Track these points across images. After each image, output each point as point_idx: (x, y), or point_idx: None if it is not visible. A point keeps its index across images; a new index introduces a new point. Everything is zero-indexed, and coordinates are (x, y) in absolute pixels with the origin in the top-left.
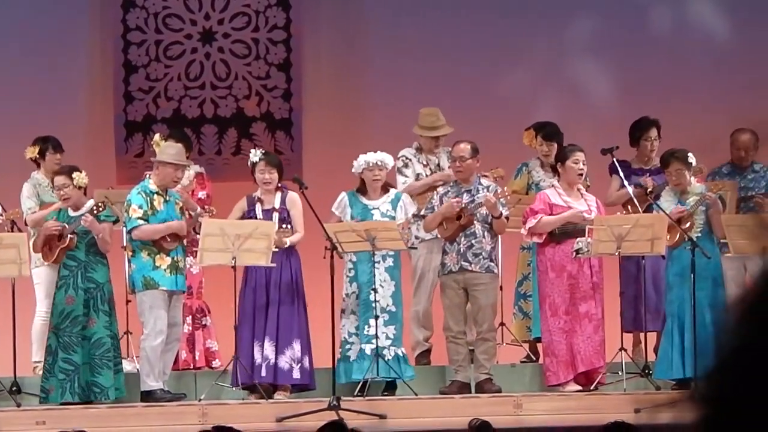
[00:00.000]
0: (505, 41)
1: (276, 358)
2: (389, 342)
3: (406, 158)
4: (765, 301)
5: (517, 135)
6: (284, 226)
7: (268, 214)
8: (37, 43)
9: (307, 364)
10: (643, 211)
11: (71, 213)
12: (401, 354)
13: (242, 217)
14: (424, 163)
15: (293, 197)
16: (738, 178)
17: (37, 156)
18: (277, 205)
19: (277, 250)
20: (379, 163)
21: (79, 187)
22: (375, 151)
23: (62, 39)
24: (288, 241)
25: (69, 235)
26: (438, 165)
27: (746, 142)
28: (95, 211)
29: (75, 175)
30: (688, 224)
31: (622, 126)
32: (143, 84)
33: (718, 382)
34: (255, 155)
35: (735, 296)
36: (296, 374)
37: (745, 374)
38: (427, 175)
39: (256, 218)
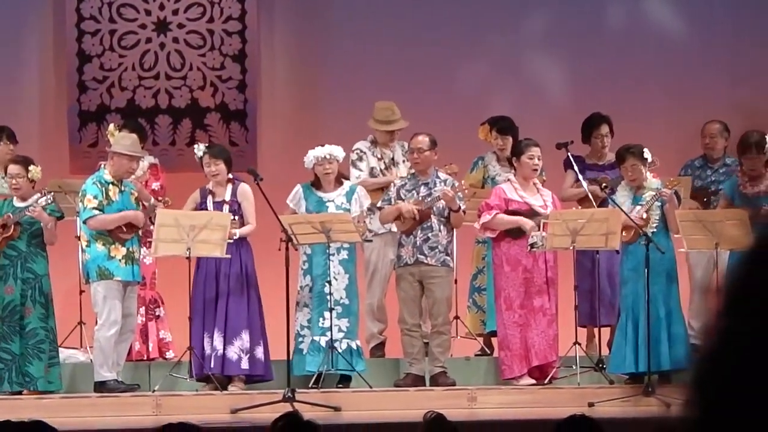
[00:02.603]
0: (461, 35)
1: (224, 349)
2: (342, 335)
3: (361, 151)
4: (750, 292)
5: (472, 129)
6: (233, 218)
7: (219, 206)
8: None
9: (260, 354)
10: (598, 206)
11: (16, 203)
12: (354, 347)
13: (195, 209)
14: (379, 156)
15: (244, 189)
16: (709, 172)
17: None
18: (228, 198)
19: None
20: (329, 156)
21: (31, 180)
22: (323, 145)
23: (15, 27)
24: (237, 232)
25: (12, 225)
26: (392, 159)
27: (713, 130)
28: (44, 203)
29: (31, 168)
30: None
31: (577, 120)
32: (97, 74)
33: (706, 381)
34: (199, 149)
35: (715, 294)
36: (245, 365)
37: (734, 372)
38: (381, 169)
39: (207, 210)
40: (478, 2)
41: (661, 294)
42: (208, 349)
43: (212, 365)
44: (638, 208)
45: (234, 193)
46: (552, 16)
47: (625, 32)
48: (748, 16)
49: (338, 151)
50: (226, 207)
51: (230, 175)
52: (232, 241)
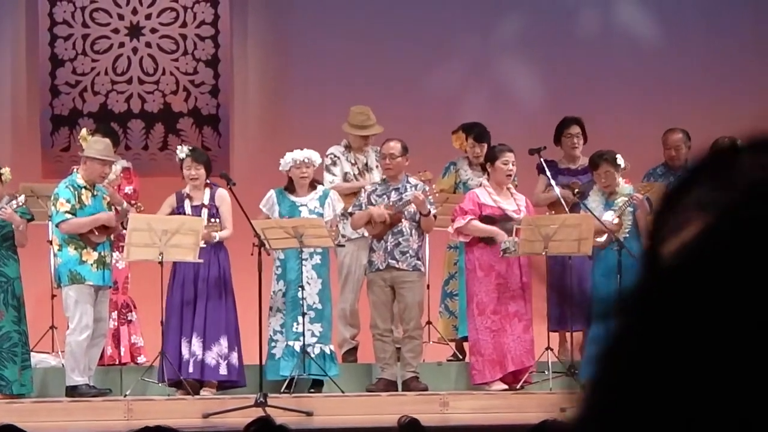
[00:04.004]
0: (433, 39)
1: (203, 354)
2: (315, 339)
3: (335, 156)
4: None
5: (444, 133)
6: (213, 220)
7: (197, 210)
8: None
9: (235, 360)
10: (570, 212)
11: None
12: (328, 351)
13: (171, 213)
14: (353, 161)
15: (222, 194)
16: (672, 179)
17: None
18: (206, 202)
19: (205, 245)
20: (306, 160)
21: (2, 183)
22: (302, 149)
23: None
24: (217, 236)
25: None
26: (366, 164)
27: (677, 141)
28: (16, 206)
29: (2, 170)
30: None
31: (549, 126)
32: (70, 78)
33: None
34: (182, 151)
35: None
36: (223, 370)
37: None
38: (354, 174)
39: (185, 214)
40: (450, 5)
41: None
42: (186, 354)
43: (191, 370)
44: (610, 213)
45: (212, 198)
46: (525, 20)
47: (597, 36)
48: (720, 19)
49: (316, 156)
50: (204, 211)
51: (207, 180)
52: (206, 245)
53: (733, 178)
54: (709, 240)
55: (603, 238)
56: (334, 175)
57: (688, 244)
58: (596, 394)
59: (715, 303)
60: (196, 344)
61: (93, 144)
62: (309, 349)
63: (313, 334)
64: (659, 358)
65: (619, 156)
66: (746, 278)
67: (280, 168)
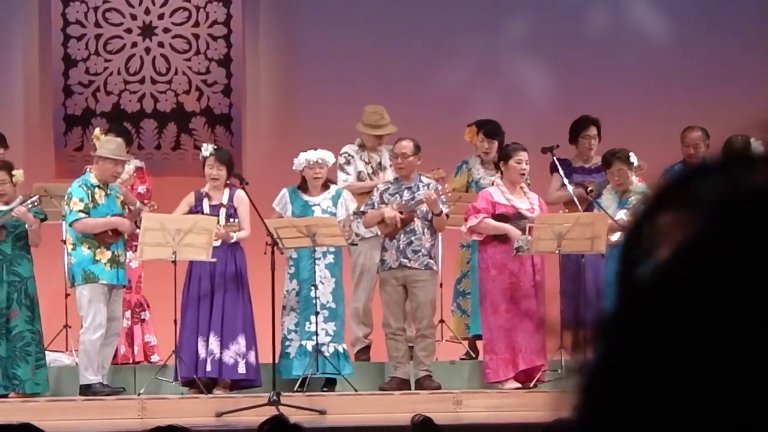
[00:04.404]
0: (444, 38)
1: (221, 353)
2: (329, 338)
3: (348, 155)
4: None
5: (455, 132)
6: (231, 220)
7: (215, 209)
8: None
9: (252, 359)
10: (584, 210)
11: (0, 207)
12: (341, 350)
13: (189, 212)
14: (366, 160)
15: (241, 195)
16: None
17: None
18: (225, 201)
19: (218, 244)
20: (320, 161)
21: (14, 185)
22: (315, 149)
23: (1, 32)
24: (235, 236)
25: None
26: (380, 163)
27: (695, 139)
28: (30, 206)
29: (15, 172)
30: None
31: (559, 123)
32: (83, 78)
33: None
34: (206, 150)
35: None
36: (241, 369)
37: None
38: (368, 173)
39: (203, 213)
40: (460, 5)
41: None
42: (203, 353)
43: (208, 368)
44: (624, 211)
45: (231, 198)
46: (534, 19)
47: (607, 35)
48: (729, 18)
49: (330, 157)
50: (223, 210)
51: (227, 181)
52: (219, 244)
53: (696, 200)
54: (680, 262)
55: (617, 237)
56: (347, 174)
57: (660, 267)
58: (581, 425)
59: (688, 325)
60: (214, 343)
61: (105, 143)
62: (323, 348)
63: (326, 333)
64: (638, 385)
65: (632, 154)
66: (719, 299)
67: (294, 167)
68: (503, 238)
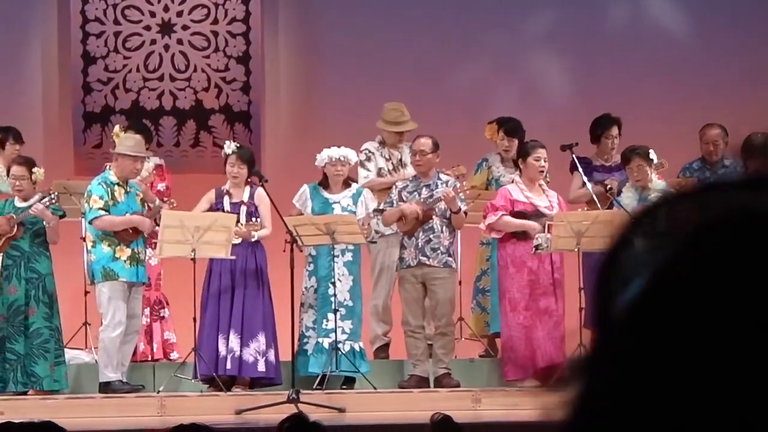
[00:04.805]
0: (463, 35)
1: (241, 351)
2: (345, 336)
3: (369, 152)
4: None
5: (475, 130)
6: (253, 219)
7: (236, 207)
8: None
9: (272, 357)
10: (606, 209)
11: (18, 204)
12: (357, 348)
13: (210, 209)
14: (387, 157)
15: (261, 193)
16: (708, 174)
17: None
18: (245, 199)
19: (239, 242)
20: (342, 158)
21: (34, 182)
22: (336, 145)
23: (20, 30)
24: (256, 234)
25: (15, 226)
26: (400, 160)
27: (715, 136)
28: (48, 203)
29: (35, 169)
30: None
31: (578, 121)
32: (102, 75)
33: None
34: (229, 147)
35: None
36: (261, 367)
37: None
38: (389, 170)
39: (223, 211)
40: (480, 2)
41: None
42: (223, 350)
43: (228, 366)
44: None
45: (252, 196)
46: (554, 16)
47: (627, 31)
48: (751, 14)
49: (352, 155)
50: (243, 208)
51: (248, 179)
52: (245, 242)
53: (669, 228)
54: (654, 292)
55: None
56: (368, 170)
57: (636, 298)
58: None
59: (663, 356)
60: (234, 340)
61: (124, 140)
62: (339, 346)
63: (343, 331)
64: (619, 420)
65: (651, 151)
66: (692, 328)
67: (316, 163)
68: (522, 236)
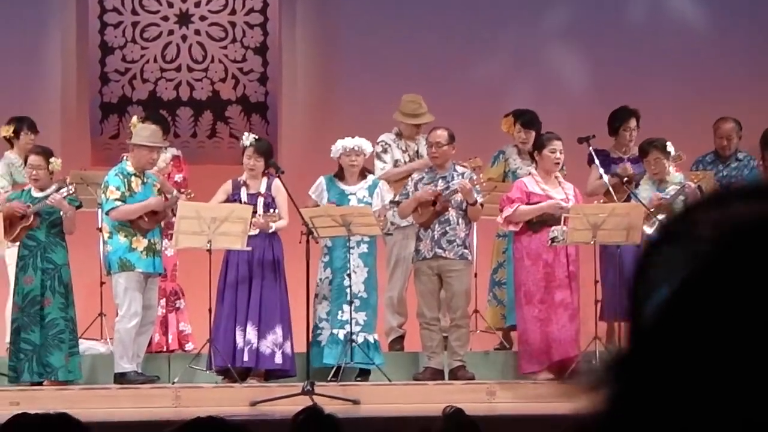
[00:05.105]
0: (480, 27)
1: (258, 342)
2: (359, 328)
3: (386, 143)
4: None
5: (492, 122)
6: (271, 210)
7: (253, 198)
8: (13, 23)
9: (288, 349)
10: (624, 201)
11: (34, 194)
12: (372, 340)
13: (227, 200)
14: (403, 149)
15: (278, 184)
16: (722, 167)
17: (12, 135)
18: (263, 190)
19: (256, 233)
20: (357, 148)
21: (51, 172)
22: (352, 137)
23: (39, 19)
24: (274, 226)
25: (32, 216)
26: (417, 152)
27: (729, 130)
28: (65, 194)
29: (52, 159)
30: (665, 213)
31: (596, 114)
32: (119, 65)
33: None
34: (247, 138)
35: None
36: (278, 359)
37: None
38: (405, 162)
39: (240, 202)
40: None
41: None
42: (240, 342)
43: (245, 358)
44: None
45: (269, 187)
46: (572, 9)
47: (645, 25)
48: None
49: (367, 145)
50: (261, 199)
51: (265, 170)
52: (257, 233)
53: (696, 235)
54: (683, 298)
55: (654, 227)
56: (384, 162)
57: (665, 304)
58: None
59: (693, 361)
60: (251, 332)
61: (140, 131)
62: (354, 338)
63: (357, 323)
64: (650, 427)
65: (669, 143)
66: (721, 334)
67: (331, 155)
68: (538, 228)
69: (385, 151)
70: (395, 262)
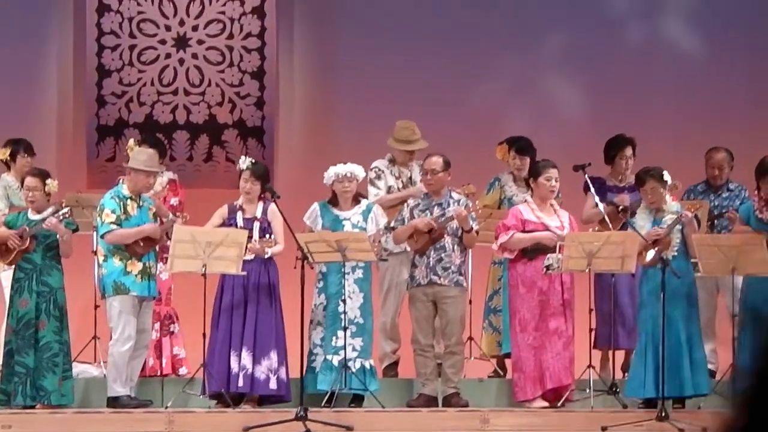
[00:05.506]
0: (476, 54)
1: (253, 368)
2: (355, 354)
3: (379, 170)
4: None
5: (487, 148)
6: (267, 236)
7: (248, 222)
8: (10, 44)
9: (283, 374)
10: (619, 229)
11: (31, 216)
12: (368, 366)
13: (222, 224)
14: (397, 175)
15: (274, 209)
16: (713, 197)
17: (8, 158)
18: (258, 215)
19: (251, 258)
20: (349, 174)
21: (48, 194)
22: (346, 162)
23: (36, 41)
24: (270, 251)
25: (28, 238)
26: (410, 178)
27: (720, 160)
28: (62, 217)
29: (49, 181)
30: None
31: (592, 141)
32: (116, 88)
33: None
34: (244, 162)
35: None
36: (273, 384)
37: None
38: (399, 188)
39: (236, 226)
40: (494, 22)
41: (682, 318)
42: (235, 367)
43: (240, 383)
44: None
45: (265, 212)
46: (567, 36)
47: (641, 52)
48: (765, 36)
49: (359, 171)
50: (256, 224)
51: (261, 195)
52: (258, 258)
53: None
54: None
55: (651, 256)
56: (378, 188)
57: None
58: None
59: None
60: (246, 357)
61: (137, 155)
62: (350, 364)
63: (353, 349)
64: None
65: (665, 172)
66: None
67: (324, 181)
68: (533, 255)
69: (378, 177)
70: (387, 288)
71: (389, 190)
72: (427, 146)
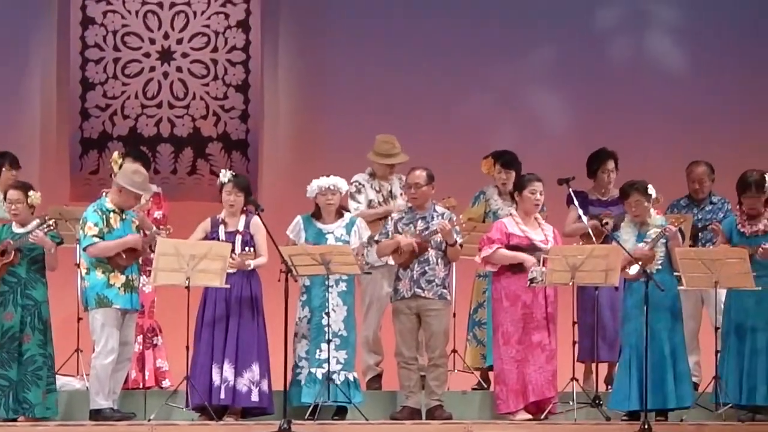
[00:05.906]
0: (462, 67)
1: (235, 380)
2: (340, 366)
3: (359, 184)
4: None
5: (472, 161)
6: (247, 248)
7: (231, 236)
8: None
9: (265, 387)
10: (602, 243)
11: (15, 229)
12: (352, 379)
13: (205, 238)
14: (377, 189)
15: (257, 222)
16: (696, 210)
17: None
18: (241, 228)
19: (234, 271)
20: (332, 187)
21: (31, 206)
22: (329, 176)
23: (20, 53)
24: (252, 263)
25: (12, 252)
26: (390, 192)
27: (700, 174)
28: (46, 230)
29: (31, 193)
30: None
31: (578, 155)
32: (100, 101)
33: None
34: (224, 176)
35: None
36: (255, 397)
37: None
38: (379, 202)
39: (218, 239)
40: (480, 35)
41: (666, 331)
42: (216, 380)
43: (222, 396)
44: (642, 245)
45: (247, 225)
46: (554, 51)
47: (628, 66)
48: (752, 50)
49: (342, 183)
50: (239, 237)
51: (244, 207)
52: (240, 271)
53: None
54: None
55: (635, 270)
56: (358, 202)
57: None
58: None
59: None
60: (228, 370)
61: (131, 175)
62: (333, 376)
63: (337, 361)
64: None
65: (650, 186)
66: None
67: (307, 194)
68: (516, 269)
69: (359, 191)
70: (369, 301)
71: (370, 203)
72: (408, 160)
